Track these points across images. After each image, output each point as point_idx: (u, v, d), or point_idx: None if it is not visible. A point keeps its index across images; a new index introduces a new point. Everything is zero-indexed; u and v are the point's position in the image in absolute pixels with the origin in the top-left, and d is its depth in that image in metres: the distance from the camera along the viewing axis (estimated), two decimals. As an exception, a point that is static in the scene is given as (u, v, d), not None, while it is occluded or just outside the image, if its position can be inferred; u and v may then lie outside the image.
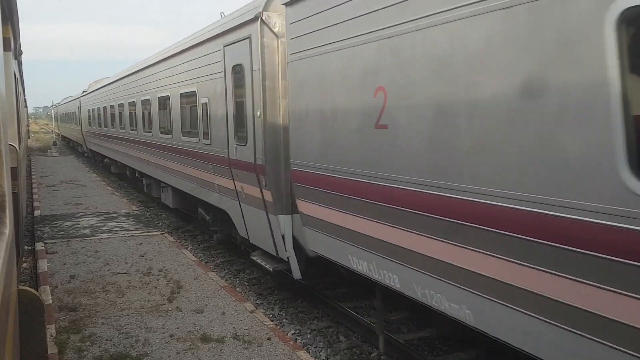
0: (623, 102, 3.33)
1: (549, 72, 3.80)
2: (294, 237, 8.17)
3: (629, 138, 3.31)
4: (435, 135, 4.92)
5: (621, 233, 3.35)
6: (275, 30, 8.04)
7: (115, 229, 13.61)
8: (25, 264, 11.48)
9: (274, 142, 8.16)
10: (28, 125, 51.00)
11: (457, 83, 4.63)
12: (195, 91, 11.28)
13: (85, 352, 6.62)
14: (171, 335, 7.07)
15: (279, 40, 8.01)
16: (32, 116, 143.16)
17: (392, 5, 5.37)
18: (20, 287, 4.47)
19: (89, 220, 14.81)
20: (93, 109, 28.98)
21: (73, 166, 31.33)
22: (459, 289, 4.86)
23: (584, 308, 3.66)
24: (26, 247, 12.71)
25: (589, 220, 3.53)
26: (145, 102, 16.13)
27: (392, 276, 5.85)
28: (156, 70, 14.73)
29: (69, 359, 6.48)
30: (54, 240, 12.38)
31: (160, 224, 15.73)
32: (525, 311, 4.14)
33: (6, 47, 7.31)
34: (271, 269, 8.56)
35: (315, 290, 9.29)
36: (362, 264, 6.36)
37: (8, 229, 3.37)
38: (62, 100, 57.96)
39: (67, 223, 14.39)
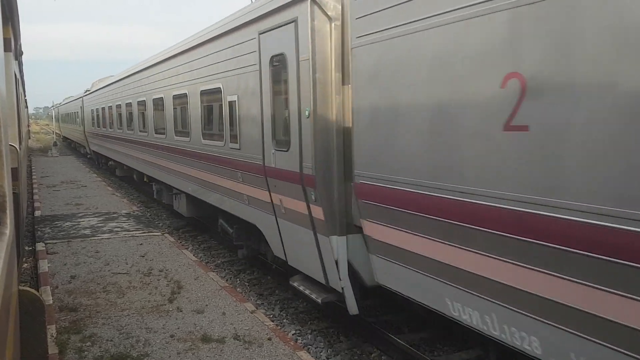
0: None
1: None
2: (348, 263, 6.81)
3: None
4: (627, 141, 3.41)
5: None
6: (329, 12, 6.68)
7: (116, 229, 13.61)
8: (26, 264, 11.49)
9: (326, 147, 6.76)
10: (28, 126, 51.02)
11: None
12: (220, 88, 9.85)
13: (85, 353, 6.62)
14: (172, 336, 7.07)
15: (332, 24, 6.68)
16: (33, 116, 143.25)
17: None
18: (21, 288, 4.48)
19: (89, 220, 14.81)
20: (97, 109, 27.57)
21: (73, 166, 31.34)
22: None
23: None
24: (27, 248, 12.72)
25: None
26: (158, 101, 14.74)
27: (529, 339, 4.33)
28: (171, 66, 13.34)
29: (70, 359, 6.48)
30: (54, 241, 12.38)
31: (160, 224, 15.74)
32: None
33: (7, 48, 7.32)
34: (319, 301, 7.17)
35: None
36: (470, 313, 4.92)
37: (9, 230, 3.37)
38: (63, 100, 56.79)
39: (67, 223, 14.40)
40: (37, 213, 16.07)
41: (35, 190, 20.82)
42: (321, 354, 7.32)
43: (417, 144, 5.28)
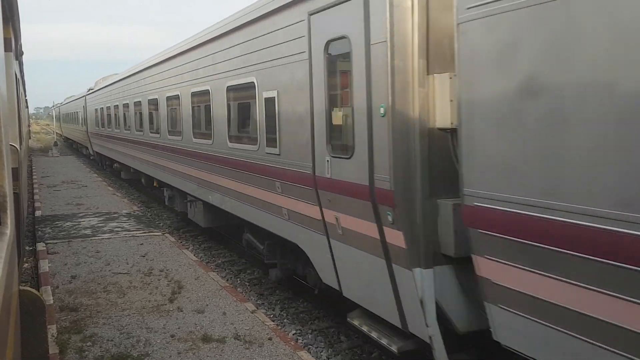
0: None
1: None
2: (436, 304, 5.42)
3: None
4: None
5: None
6: None
7: (116, 229, 13.62)
8: (27, 264, 11.49)
9: (408, 154, 5.33)
10: (29, 126, 51.02)
11: None
12: (253, 83, 8.48)
13: (86, 353, 6.62)
14: (172, 336, 7.08)
15: None
16: (33, 117, 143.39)
17: None
18: (22, 288, 4.48)
19: (90, 220, 14.82)
20: (101, 108, 26.00)
21: (74, 166, 31.35)
22: None
23: None
24: (27, 248, 12.73)
25: None
26: (172, 100, 13.31)
27: None
28: (188, 60, 11.94)
29: (70, 359, 6.49)
30: (55, 241, 12.39)
31: (161, 224, 15.75)
32: None
33: (7, 48, 7.32)
34: (395, 350, 5.89)
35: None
36: None
37: (9, 230, 3.38)
38: (64, 100, 55.74)
39: (68, 223, 14.41)
40: (38, 213, 16.08)
41: (35, 190, 20.83)
42: (322, 353, 7.33)
43: (597, 154, 3.59)
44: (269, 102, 8.00)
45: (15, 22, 8.11)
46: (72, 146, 50.68)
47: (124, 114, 19.98)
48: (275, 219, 8.15)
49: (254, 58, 8.50)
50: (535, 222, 4.08)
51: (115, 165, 25.29)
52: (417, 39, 5.28)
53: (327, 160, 6.48)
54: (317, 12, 6.58)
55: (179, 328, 7.33)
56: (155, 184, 17.20)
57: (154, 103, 15.27)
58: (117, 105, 21.46)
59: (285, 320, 8.51)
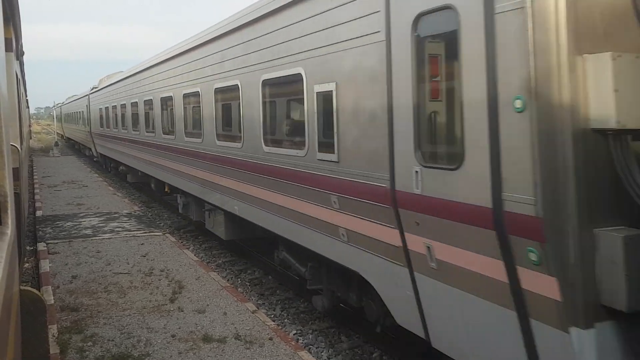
0: None
1: None
2: None
3: None
4: None
5: None
6: None
7: (117, 229, 13.62)
8: (27, 264, 11.50)
9: (561, 166, 3.93)
10: (30, 126, 50.98)
11: None
12: (299, 75, 7.12)
13: (87, 352, 6.62)
14: (173, 336, 7.08)
15: None
16: (34, 117, 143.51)
17: None
18: (22, 288, 4.49)
19: (90, 220, 14.82)
20: (106, 107, 24.40)
21: (75, 166, 31.37)
22: None
23: None
24: (28, 248, 12.73)
25: None
26: (190, 97, 11.96)
27: None
28: (211, 52, 10.53)
29: (71, 359, 6.49)
30: (55, 241, 12.39)
31: (161, 224, 15.76)
32: None
33: (8, 48, 7.33)
34: None
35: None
36: None
37: (10, 230, 3.38)
38: (66, 99, 54.60)
39: (68, 223, 14.41)
40: (39, 213, 16.09)
41: (36, 190, 20.84)
42: (322, 354, 7.33)
43: None
44: (323, 97, 6.63)
45: (16, 22, 8.11)
46: (74, 147, 49.56)
47: (132, 113, 18.52)
48: (328, 240, 6.78)
49: (300, 45, 7.10)
50: None
51: (121, 168, 23.89)
52: (563, 3, 3.89)
53: (416, 171, 5.01)
54: None
55: (179, 328, 7.33)
56: (166, 190, 15.98)
57: (167, 101, 13.86)
58: (124, 104, 19.92)
59: (285, 321, 8.52)
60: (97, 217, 15.34)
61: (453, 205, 4.66)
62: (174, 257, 10.91)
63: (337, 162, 6.36)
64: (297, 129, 7.49)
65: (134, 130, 18.31)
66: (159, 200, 19.36)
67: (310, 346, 7.53)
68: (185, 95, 12.24)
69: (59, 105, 63.90)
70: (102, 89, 26.41)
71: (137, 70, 17.71)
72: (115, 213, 15.89)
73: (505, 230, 4.13)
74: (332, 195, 6.49)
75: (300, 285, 9.63)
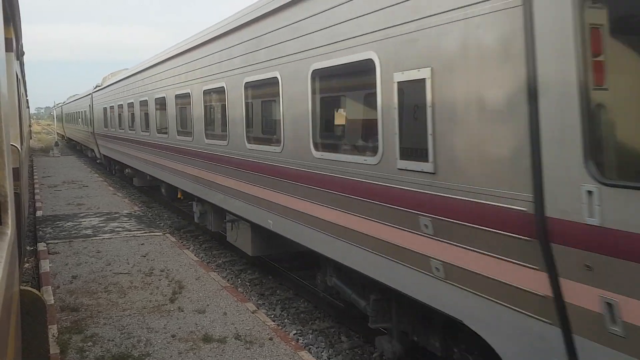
0: None
1: None
2: None
3: None
4: None
5: None
6: None
7: (117, 229, 13.62)
8: (27, 264, 11.50)
9: None
10: (30, 126, 50.94)
11: None
12: (371, 60, 5.60)
13: (87, 353, 6.63)
14: (173, 336, 7.08)
15: None
16: (34, 117, 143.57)
17: None
18: (22, 288, 4.49)
19: (90, 220, 14.82)
20: (111, 107, 22.92)
21: (75, 166, 31.37)
22: None
23: None
24: (28, 248, 12.73)
25: None
26: (213, 94, 10.58)
27: None
28: (241, 39, 8.91)
29: (71, 359, 6.49)
30: (56, 241, 12.39)
31: (162, 224, 15.76)
32: None
33: (8, 48, 7.33)
34: None
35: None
36: None
37: (10, 230, 3.38)
38: (67, 99, 53.39)
39: (69, 223, 14.41)
40: (39, 213, 16.09)
41: (36, 190, 20.84)
42: (322, 354, 7.33)
43: None
44: (409, 87, 5.18)
45: (17, 22, 8.12)
46: (75, 147, 48.47)
47: (141, 112, 17.08)
48: (409, 273, 5.36)
49: (372, 23, 5.62)
50: None
51: (127, 171, 22.18)
52: None
53: (589, 192, 3.60)
54: None
55: (179, 328, 7.33)
56: (179, 196, 14.71)
57: (183, 99, 12.39)
58: (132, 102, 18.42)
59: (286, 321, 8.52)
60: (97, 217, 15.34)
61: None
62: (174, 257, 10.91)
63: (433, 173, 4.84)
64: (366, 129, 6.20)
65: (143, 131, 16.95)
66: (159, 201, 19.36)
67: (311, 346, 7.53)
68: (207, 92, 10.77)
69: (60, 105, 62.72)
70: (106, 87, 24.78)
71: (147, 66, 16.20)
72: (115, 213, 15.89)
73: None
74: (422, 217, 5.00)
75: (301, 285, 9.63)
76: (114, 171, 26.64)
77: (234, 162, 9.47)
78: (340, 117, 7.10)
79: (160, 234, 13.18)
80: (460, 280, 4.74)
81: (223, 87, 9.80)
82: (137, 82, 17.73)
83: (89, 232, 13.32)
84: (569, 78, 3.67)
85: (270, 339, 6.94)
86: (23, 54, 12.27)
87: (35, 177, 25.48)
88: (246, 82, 8.82)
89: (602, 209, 3.53)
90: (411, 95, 5.19)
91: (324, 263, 7.58)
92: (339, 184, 6.34)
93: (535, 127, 3.89)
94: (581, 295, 3.73)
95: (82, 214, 15.77)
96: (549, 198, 3.84)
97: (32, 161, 33.56)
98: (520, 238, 4.08)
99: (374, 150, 5.73)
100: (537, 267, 4.01)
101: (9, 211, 3.42)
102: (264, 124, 8.96)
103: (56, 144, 45.75)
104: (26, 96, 25.50)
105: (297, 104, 7.30)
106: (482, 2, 4.32)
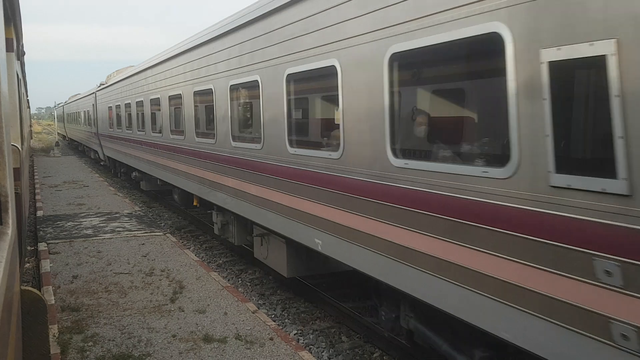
0: None
1: None
2: None
3: None
4: None
5: None
6: None
7: (118, 229, 13.62)
8: (28, 264, 11.51)
9: None
10: (31, 126, 50.88)
11: None
12: (496, 35, 4.19)
13: (87, 352, 6.63)
14: (173, 336, 7.08)
15: None
16: (35, 117, 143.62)
17: None
18: (23, 288, 4.49)
19: (91, 220, 14.82)
20: (118, 106, 21.67)
21: (75, 166, 31.37)
22: None
23: None
24: (29, 248, 12.74)
25: None
26: (242, 89, 9.24)
27: None
28: (285, 22, 7.35)
29: (72, 359, 6.49)
30: (56, 241, 12.39)
31: (162, 224, 15.76)
32: None
33: (9, 48, 7.33)
34: None
35: (317, 290, 9.29)
36: None
37: (11, 230, 3.38)
38: (69, 98, 52.71)
39: (69, 223, 14.42)
40: (39, 213, 16.10)
41: (37, 190, 20.85)
42: (323, 354, 7.34)
43: None
44: (576, 69, 3.78)
45: (17, 22, 8.12)
46: (77, 148, 47.56)
47: (153, 112, 15.80)
48: (574, 340, 3.75)
49: None
50: None
51: (134, 174, 20.94)
52: None
53: None
54: None
55: (180, 328, 7.34)
56: (195, 203, 13.45)
57: (203, 96, 11.21)
58: (141, 100, 17.04)
59: (286, 321, 8.52)
60: (98, 217, 15.34)
61: None
62: (175, 257, 10.92)
63: (628, 196, 3.37)
64: (483, 127, 5.14)
65: (154, 133, 15.64)
66: (159, 201, 19.37)
67: (311, 346, 7.53)
68: (234, 88, 9.37)
69: (61, 104, 61.79)
70: (112, 84, 23.37)
71: (160, 60, 14.64)
72: (116, 213, 15.90)
73: None
74: (602, 260, 3.53)
75: (301, 285, 9.62)
76: (120, 174, 25.44)
77: (269, 169, 8.02)
78: (438, 108, 5.63)
79: (161, 234, 13.18)
80: None
81: (257, 80, 8.19)
82: (148, 79, 16.34)
83: (89, 232, 13.32)
84: None
85: (271, 339, 6.94)
86: (24, 54, 12.27)
87: (35, 177, 25.49)
88: (288, 75, 7.35)
89: None
90: (577, 81, 3.87)
91: (390, 295, 6.20)
92: (436, 205, 4.84)
93: None
94: None
95: (83, 214, 15.77)
96: None
97: (33, 161, 33.58)
98: None
99: (503, 160, 4.20)
100: None
101: (10, 211, 3.42)
102: (318, 123, 7.54)
103: (57, 144, 45.77)
104: (27, 96, 25.50)
105: (366, 95, 5.75)
106: None
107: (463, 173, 4.57)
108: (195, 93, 11.58)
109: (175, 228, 15.29)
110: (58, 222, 14.55)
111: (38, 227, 14.12)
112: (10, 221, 3.40)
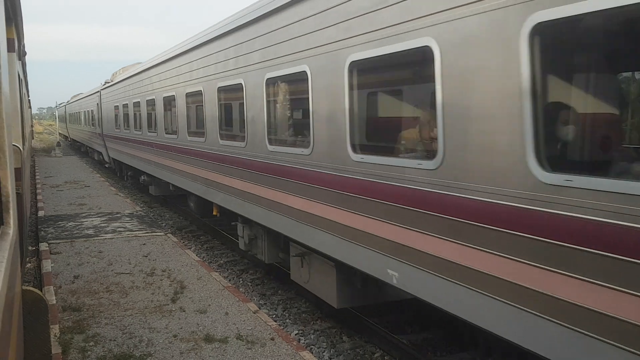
0: None
1: None
2: None
3: None
4: None
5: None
6: None
7: (119, 229, 13.63)
8: (29, 264, 11.51)
9: None
10: (32, 126, 50.91)
11: None
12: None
13: (89, 352, 6.64)
14: (175, 336, 7.08)
15: None
16: (36, 117, 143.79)
17: None
18: (24, 288, 4.50)
19: (92, 220, 14.83)
20: (125, 105, 20.35)
21: (77, 167, 31.40)
22: None
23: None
24: (30, 248, 12.75)
25: None
26: (281, 83, 8.07)
27: None
28: (332, 4, 6.24)
29: (73, 359, 6.50)
30: (57, 241, 12.41)
31: (163, 224, 15.77)
32: None
33: (10, 48, 7.34)
34: None
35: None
36: None
37: (12, 230, 3.39)
38: (71, 98, 51.56)
39: (71, 223, 14.43)
40: (41, 213, 16.11)
41: (38, 191, 20.87)
42: (324, 354, 7.34)
43: None
44: None
45: (18, 22, 8.13)
46: (79, 149, 46.32)
47: (166, 111, 14.47)
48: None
49: None
50: None
51: (142, 178, 19.33)
52: None
53: None
54: None
55: (181, 328, 7.34)
56: (215, 212, 12.02)
57: (231, 93, 9.97)
58: (153, 99, 15.64)
59: (287, 321, 8.52)
60: (99, 217, 15.35)
61: None
62: (176, 257, 10.92)
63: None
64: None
65: (168, 134, 14.19)
66: (160, 201, 19.38)
67: (312, 346, 7.53)
68: (270, 83, 8.14)
69: (64, 104, 60.56)
70: (118, 82, 21.93)
71: (175, 54, 13.16)
72: (117, 213, 15.91)
73: None
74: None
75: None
76: (126, 177, 23.75)
77: (312, 178, 6.92)
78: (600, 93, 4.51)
79: (162, 234, 13.18)
80: None
81: (306, 71, 6.97)
82: (160, 75, 14.87)
83: (90, 232, 13.33)
84: None
85: (272, 339, 6.95)
86: (25, 54, 12.28)
87: (37, 177, 25.51)
88: (350, 63, 6.03)
89: None
90: None
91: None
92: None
93: None
94: None
95: (84, 214, 15.78)
96: None
97: (34, 161, 33.61)
98: None
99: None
100: None
101: (11, 211, 3.43)
102: (389, 127, 6.56)
103: (58, 144, 45.79)
104: (28, 96, 25.52)
105: (460, 86, 4.62)
106: None
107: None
108: (220, 89, 10.21)
109: (176, 228, 15.31)
110: (59, 222, 14.56)
111: (39, 227, 14.13)
112: (11, 221, 3.40)
